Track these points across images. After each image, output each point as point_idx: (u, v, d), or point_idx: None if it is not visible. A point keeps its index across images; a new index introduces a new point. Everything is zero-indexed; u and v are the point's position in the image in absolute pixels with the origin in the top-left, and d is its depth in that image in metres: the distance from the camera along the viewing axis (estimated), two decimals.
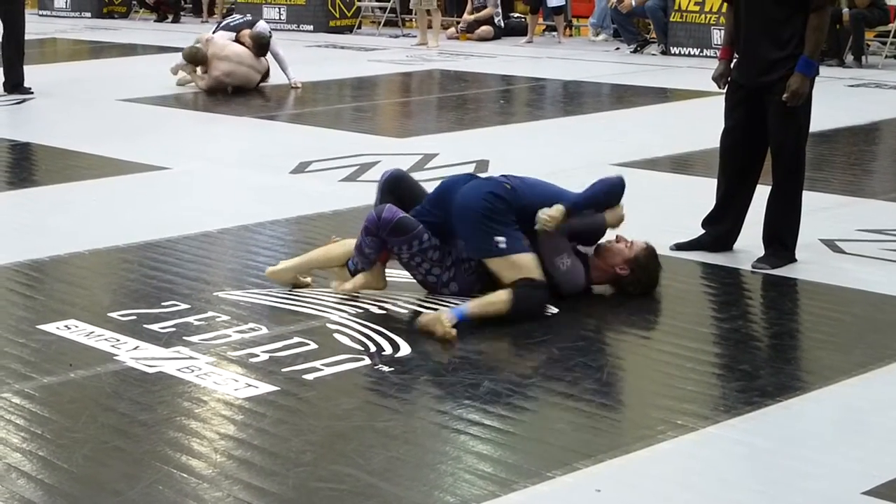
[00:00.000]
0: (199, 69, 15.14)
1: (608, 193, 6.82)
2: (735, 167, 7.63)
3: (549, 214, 6.57)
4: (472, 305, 6.38)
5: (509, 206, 6.57)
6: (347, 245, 6.88)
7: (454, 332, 6.16)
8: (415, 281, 6.87)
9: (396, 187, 7.01)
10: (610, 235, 6.95)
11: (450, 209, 6.66)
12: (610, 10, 19.84)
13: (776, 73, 7.30)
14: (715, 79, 7.71)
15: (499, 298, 6.41)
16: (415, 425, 5.24)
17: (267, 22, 16.57)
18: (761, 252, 7.47)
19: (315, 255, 7.04)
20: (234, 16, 15.99)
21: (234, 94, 14.96)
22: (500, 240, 6.50)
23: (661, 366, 5.88)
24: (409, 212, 6.74)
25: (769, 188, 7.54)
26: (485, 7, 21.43)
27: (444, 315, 6.24)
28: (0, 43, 14.84)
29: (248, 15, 16.28)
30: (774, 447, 4.98)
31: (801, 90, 7.24)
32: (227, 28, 15.49)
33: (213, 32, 15.53)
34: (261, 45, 15.20)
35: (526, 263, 6.50)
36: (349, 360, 5.90)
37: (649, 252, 6.90)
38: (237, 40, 15.19)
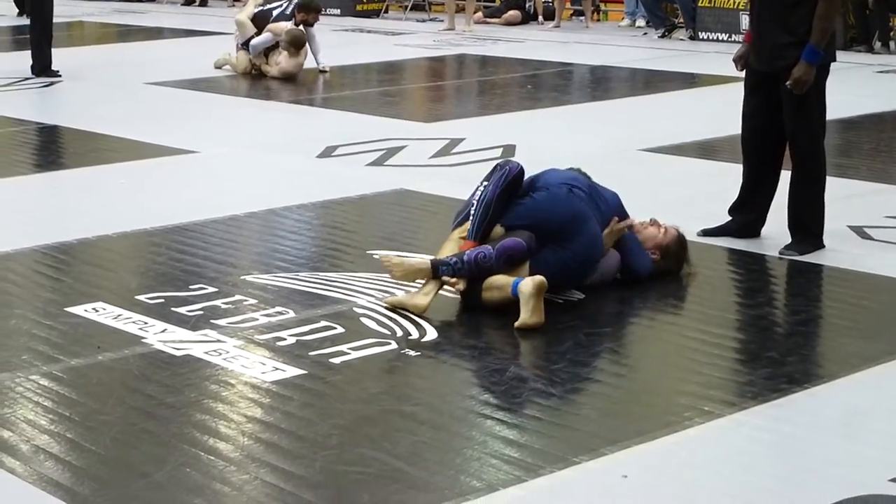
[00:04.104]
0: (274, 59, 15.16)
1: None
2: (756, 152, 7.60)
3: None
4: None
5: None
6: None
7: None
8: None
9: (516, 186, 6.61)
10: (644, 217, 6.94)
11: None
12: None
13: (785, 60, 7.25)
14: (735, 59, 7.70)
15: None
16: (441, 410, 5.25)
17: None
18: (789, 238, 7.44)
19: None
20: (277, 4, 15.82)
21: (261, 78, 14.97)
22: None
23: (688, 352, 5.88)
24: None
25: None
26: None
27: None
28: (28, 26, 14.88)
29: None
30: (801, 434, 4.97)
31: (803, 78, 7.18)
32: (284, 17, 15.41)
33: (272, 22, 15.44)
34: (317, 10, 15.30)
35: None
36: (376, 345, 5.90)
37: (681, 241, 6.94)
38: (296, 24, 15.22)
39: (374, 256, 6.61)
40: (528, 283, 6.12)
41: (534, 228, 6.48)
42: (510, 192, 6.55)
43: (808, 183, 7.43)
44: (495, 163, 6.76)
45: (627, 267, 6.78)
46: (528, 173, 6.71)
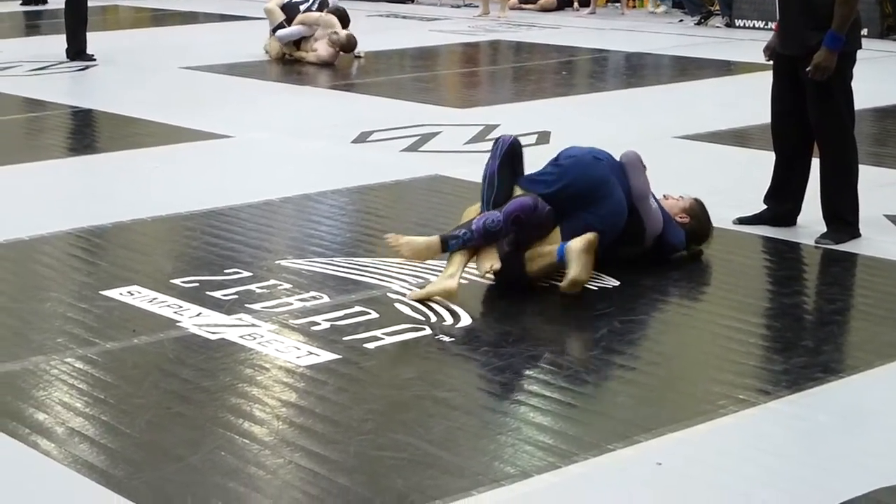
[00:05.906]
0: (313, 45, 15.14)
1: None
2: (785, 138, 7.54)
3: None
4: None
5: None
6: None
7: None
8: None
9: (516, 156, 6.65)
10: (657, 194, 6.97)
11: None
12: None
13: (807, 45, 7.19)
14: (764, 49, 7.70)
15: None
16: (475, 395, 5.25)
17: None
18: (825, 227, 7.40)
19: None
20: None
21: (297, 64, 14.98)
22: None
23: (723, 340, 5.86)
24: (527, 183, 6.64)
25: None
26: None
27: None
28: (63, 10, 14.93)
29: None
30: (837, 423, 4.95)
31: (823, 64, 7.12)
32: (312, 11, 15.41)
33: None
34: (347, 23, 15.29)
35: None
36: (410, 330, 5.91)
37: (699, 201, 7.09)
38: None
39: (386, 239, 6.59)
40: (579, 240, 6.23)
41: (564, 192, 6.53)
42: (511, 162, 6.60)
43: (838, 172, 7.37)
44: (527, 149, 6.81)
45: (664, 240, 6.85)
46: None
